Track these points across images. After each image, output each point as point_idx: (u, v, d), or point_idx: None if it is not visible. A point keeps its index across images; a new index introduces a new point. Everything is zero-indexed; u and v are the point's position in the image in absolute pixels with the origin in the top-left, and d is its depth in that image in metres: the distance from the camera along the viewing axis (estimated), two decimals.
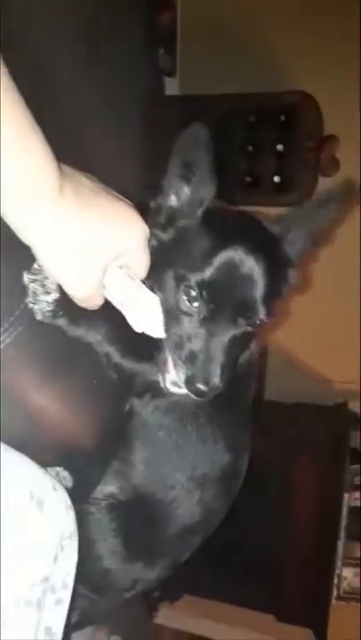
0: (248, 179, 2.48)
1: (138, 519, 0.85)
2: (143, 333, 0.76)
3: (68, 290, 0.63)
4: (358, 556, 2.42)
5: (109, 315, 0.73)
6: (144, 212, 0.78)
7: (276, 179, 2.46)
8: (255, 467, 2.23)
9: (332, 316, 2.60)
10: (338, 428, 2.35)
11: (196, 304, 0.70)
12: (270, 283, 0.72)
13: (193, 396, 0.72)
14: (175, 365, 0.73)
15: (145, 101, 2.69)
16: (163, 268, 0.74)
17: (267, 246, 0.75)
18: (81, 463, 0.80)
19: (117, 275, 0.68)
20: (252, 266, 0.70)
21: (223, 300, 0.70)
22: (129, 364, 0.79)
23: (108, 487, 0.86)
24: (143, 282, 0.74)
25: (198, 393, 0.70)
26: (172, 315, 0.73)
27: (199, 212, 0.75)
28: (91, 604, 0.86)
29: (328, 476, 2.27)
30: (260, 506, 2.25)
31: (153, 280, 0.75)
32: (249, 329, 0.73)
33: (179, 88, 2.88)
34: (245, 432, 0.92)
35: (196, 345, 0.70)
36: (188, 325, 0.71)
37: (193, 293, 0.70)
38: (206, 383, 0.69)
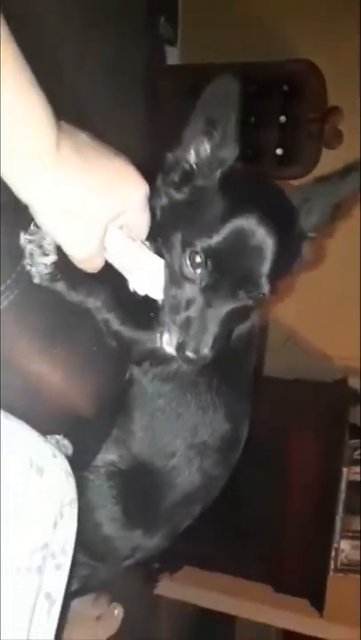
0: (250, 151, 2.43)
1: (137, 487, 0.85)
2: (144, 300, 0.75)
3: (67, 250, 0.61)
4: (356, 529, 2.45)
5: (110, 280, 0.71)
6: (156, 167, 0.75)
7: (279, 151, 2.41)
8: (255, 442, 2.25)
9: (332, 292, 2.58)
10: (337, 404, 2.35)
11: (199, 270, 0.68)
12: (280, 258, 0.69)
13: (181, 361, 0.71)
14: (169, 329, 0.71)
15: (146, 70, 2.64)
16: (171, 229, 0.71)
17: (283, 217, 0.72)
18: (82, 431, 0.79)
19: (118, 236, 0.66)
20: (263, 238, 0.67)
21: (228, 270, 0.68)
22: (128, 332, 0.77)
23: (108, 455, 0.86)
24: (147, 243, 0.72)
25: (186, 360, 0.69)
26: (174, 278, 0.71)
27: (218, 173, 0.71)
28: (91, 572, 0.87)
29: (327, 450, 2.28)
30: (260, 480, 2.27)
31: (161, 241, 0.73)
32: (249, 302, 0.71)
33: (180, 57, 2.81)
34: (245, 402, 0.91)
35: (193, 312, 0.69)
36: (189, 291, 0.70)
37: (198, 260, 0.68)
38: (196, 352, 0.68)
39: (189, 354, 0.69)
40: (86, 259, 0.63)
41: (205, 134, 0.71)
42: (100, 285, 0.74)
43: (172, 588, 2.71)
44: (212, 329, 0.69)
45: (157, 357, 0.81)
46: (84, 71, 2.20)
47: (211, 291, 0.69)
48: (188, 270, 0.69)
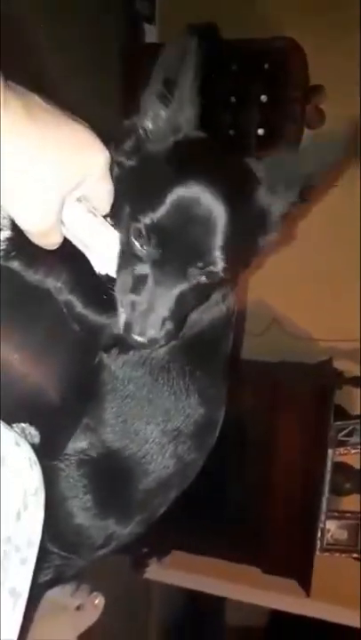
0: (231, 131, 2.38)
1: (109, 474, 0.83)
2: (110, 281, 0.72)
3: (21, 223, 0.57)
4: (341, 509, 2.47)
5: (72, 259, 0.67)
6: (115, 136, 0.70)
7: (260, 131, 2.36)
8: (241, 424, 2.25)
9: (316, 273, 2.57)
10: (322, 386, 2.35)
11: (145, 247, 0.64)
12: (236, 231, 0.63)
13: (131, 344, 0.67)
14: (119, 310, 0.67)
15: (123, 49, 2.57)
16: (121, 201, 0.66)
17: (239, 187, 0.66)
18: (49, 419, 0.76)
19: (77, 209, 0.62)
20: (209, 206, 0.61)
21: (173, 245, 0.63)
22: (93, 316, 0.73)
23: (79, 443, 0.83)
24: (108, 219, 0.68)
25: (134, 343, 0.66)
26: (124, 255, 0.67)
27: (171, 139, 0.66)
28: (65, 562, 0.85)
29: (313, 432, 2.29)
30: (245, 462, 2.28)
31: (112, 214, 0.68)
32: (204, 280, 0.65)
33: (158, 36, 2.74)
34: (221, 386, 0.88)
35: (140, 292, 0.65)
36: (137, 269, 0.65)
37: (142, 235, 0.63)
38: (142, 334, 0.64)
39: (136, 336, 0.65)
40: (42, 233, 0.59)
41: (161, 97, 0.65)
42: (62, 263, 0.69)
43: (161, 572, 2.72)
44: (161, 310, 0.65)
45: (126, 343, 0.78)
46: (59, 50, 2.14)
47: (158, 268, 0.64)
48: (135, 247, 0.65)
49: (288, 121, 2.36)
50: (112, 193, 0.63)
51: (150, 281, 0.65)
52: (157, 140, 0.67)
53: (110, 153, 0.61)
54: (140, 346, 0.67)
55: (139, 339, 0.65)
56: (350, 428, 2.39)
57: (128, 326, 0.66)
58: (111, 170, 0.66)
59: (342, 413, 2.47)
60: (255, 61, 2.34)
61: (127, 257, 0.67)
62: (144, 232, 0.63)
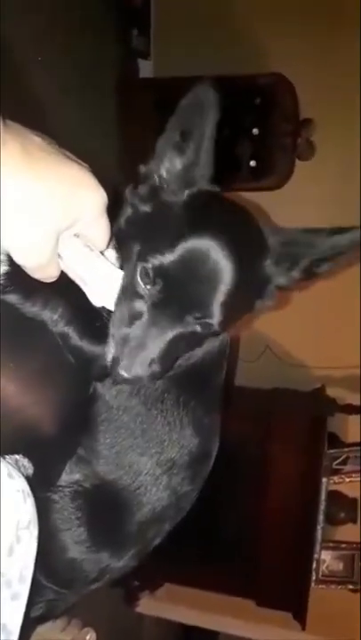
0: (223, 163, 2.44)
1: (103, 507, 0.82)
2: (105, 313, 0.72)
3: (16, 257, 0.58)
4: (337, 539, 2.44)
5: (68, 291, 0.69)
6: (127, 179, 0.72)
7: (253, 163, 2.43)
8: (234, 453, 2.23)
9: (309, 301, 2.59)
10: (316, 413, 2.35)
11: (148, 287, 0.65)
12: (237, 291, 0.65)
13: (116, 378, 0.68)
14: (109, 342, 0.68)
15: (119, 83, 2.65)
16: (132, 241, 0.69)
17: (248, 250, 0.68)
18: (43, 450, 0.76)
19: (73, 243, 0.63)
20: (218, 263, 0.63)
21: (177, 291, 0.64)
22: (88, 347, 0.74)
23: (73, 475, 0.82)
24: (111, 253, 0.70)
25: (118, 378, 0.66)
26: (127, 291, 0.68)
27: (186, 193, 0.68)
28: (56, 597, 0.83)
29: (306, 460, 2.28)
30: (238, 492, 2.25)
31: (121, 252, 0.70)
32: (198, 329, 0.67)
33: (153, 70, 2.82)
34: (215, 416, 0.88)
35: (134, 329, 0.66)
36: (136, 307, 0.67)
37: (148, 276, 0.65)
38: (128, 371, 0.65)
39: (122, 371, 0.65)
40: (38, 267, 0.60)
41: (177, 148, 0.68)
42: (58, 296, 0.71)
43: (154, 605, 2.66)
44: (152, 350, 0.65)
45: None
46: (56, 84, 2.19)
47: (157, 310, 0.65)
48: (139, 285, 0.66)
49: (280, 153, 2.43)
50: (109, 230, 0.64)
51: (146, 320, 0.66)
52: (172, 190, 0.69)
53: (125, 194, 0.63)
54: (123, 381, 0.67)
55: (123, 374, 0.66)
56: (344, 456, 2.39)
57: (115, 361, 0.66)
58: (124, 211, 0.67)
59: (336, 441, 2.47)
60: (247, 96, 2.41)
61: (129, 293, 0.68)
62: (151, 273, 0.65)
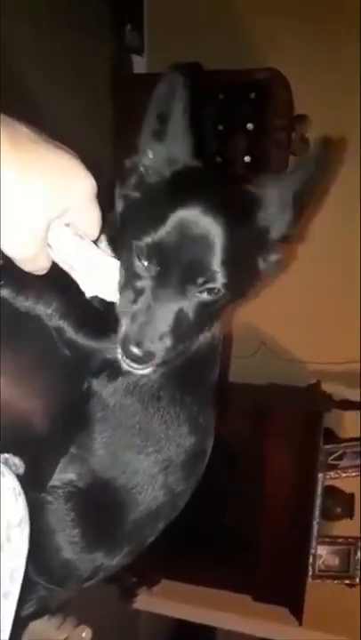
0: (218, 158, 2.43)
1: (98, 506, 0.81)
2: (102, 307, 0.72)
3: (6, 250, 0.57)
4: (333, 534, 2.45)
5: (62, 284, 0.68)
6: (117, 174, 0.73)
7: (247, 158, 2.42)
8: (230, 449, 2.24)
9: (304, 296, 2.59)
10: (312, 409, 2.35)
11: (145, 264, 0.66)
12: (235, 248, 0.66)
13: (127, 361, 0.67)
14: (120, 323, 0.68)
15: (112, 79, 2.63)
16: (126, 229, 0.70)
17: (237, 208, 0.69)
18: (35, 448, 0.75)
19: (64, 233, 0.62)
20: (207, 226, 0.64)
21: (173, 263, 0.65)
22: (84, 341, 0.74)
23: (67, 474, 0.81)
24: (105, 245, 0.69)
25: (130, 355, 0.66)
26: (128, 275, 0.69)
27: (169, 170, 0.70)
28: (49, 594, 0.83)
29: (302, 456, 2.28)
30: (234, 487, 2.26)
31: (119, 244, 0.71)
32: (205, 298, 0.67)
33: (147, 66, 2.81)
34: (210, 413, 0.88)
35: (140, 306, 0.66)
36: (138, 287, 0.67)
37: (144, 253, 0.66)
38: (139, 345, 0.65)
39: (133, 348, 0.65)
40: (28, 259, 0.59)
41: (156, 135, 0.70)
42: (52, 290, 0.70)
43: (150, 602, 2.66)
44: (160, 324, 0.66)
45: (115, 367, 0.78)
46: (49, 80, 2.18)
47: (158, 285, 0.66)
48: (138, 265, 0.67)
49: (274, 148, 2.42)
50: (100, 219, 0.64)
51: (149, 297, 0.66)
52: (157, 173, 0.70)
53: (116, 187, 0.63)
54: (134, 359, 0.66)
55: (135, 350, 0.65)
56: (340, 451, 2.39)
57: (126, 337, 0.66)
58: (117, 202, 0.68)
59: (332, 436, 2.47)
60: (242, 91, 2.40)
61: (129, 276, 0.68)
62: (145, 250, 0.66)
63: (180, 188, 0.69)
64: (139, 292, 0.67)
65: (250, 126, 2.39)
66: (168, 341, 0.67)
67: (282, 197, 0.71)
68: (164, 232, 0.65)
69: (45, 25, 2.22)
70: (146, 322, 0.66)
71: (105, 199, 0.65)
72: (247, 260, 0.72)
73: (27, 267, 0.61)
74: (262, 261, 0.74)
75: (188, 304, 0.68)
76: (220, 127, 2.43)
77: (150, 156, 0.71)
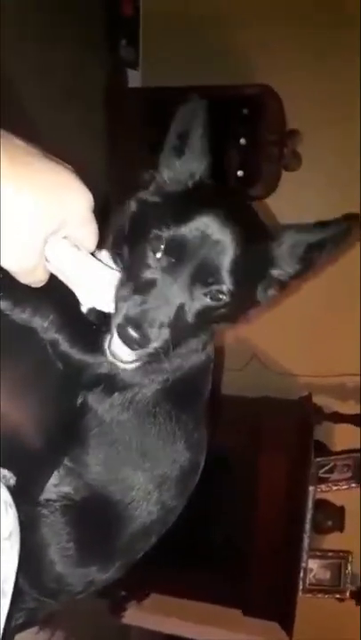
0: (211, 172, 2.46)
1: (93, 521, 0.81)
2: (98, 321, 0.72)
3: (3, 262, 0.57)
4: (323, 547, 2.44)
5: (59, 298, 0.69)
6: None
7: (240, 173, 2.45)
8: (220, 461, 2.23)
9: (296, 310, 2.60)
10: (302, 422, 2.36)
11: (159, 255, 0.69)
12: (244, 264, 0.69)
13: (114, 350, 0.68)
14: (116, 309, 0.69)
15: (107, 92, 2.66)
16: (143, 224, 0.72)
17: (251, 228, 0.73)
18: (27, 461, 0.75)
19: (61, 245, 0.63)
20: (226, 232, 0.68)
21: (187, 255, 0.68)
22: (78, 355, 0.74)
23: (63, 488, 0.81)
24: (104, 254, 0.71)
25: (126, 337, 0.66)
26: (133, 268, 0.71)
27: (189, 183, 0.74)
28: (39, 605, 0.82)
29: (293, 469, 2.28)
30: (225, 500, 2.25)
31: (126, 248, 0.74)
32: (207, 302, 0.70)
33: (141, 80, 2.84)
34: (203, 430, 0.88)
35: (144, 293, 0.67)
36: (147, 276, 0.69)
37: (160, 244, 0.69)
38: (138, 327, 0.65)
39: (131, 330, 0.65)
40: (26, 272, 0.60)
41: (177, 151, 0.75)
42: (49, 304, 0.71)
43: (140, 616, 2.63)
44: (161, 314, 0.67)
45: (110, 383, 0.78)
46: (44, 93, 2.20)
47: (168, 276, 0.68)
48: (151, 256, 0.69)
49: (266, 163, 2.45)
50: (97, 232, 0.65)
51: (157, 286, 0.68)
52: (177, 183, 0.75)
53: (130, 195, 0.65)
54: (131, 342, 0.66)
55: (132, 332, 0.66)
56: (331, 464, 2.40)
57: (126, 318, 0.66)
58: (130, 205, 0.73)
59: (323, 449, 2.48)
60: (234, 106, 2.44)
61: (137, 267, 0.70)
62: (164, 240, 0.68)
63: (205, 196, 0.73)
64: (146, 281, 0.69)
65: (243, 141, 2.42)
66: (166, 332, 0.68)
67: (296, 242, 0.74)
68: (186, 228, 0.68)
69: (40, 39, 2.25)
70: (149, 307, 0.67)
71: (99, 211, 0.66)
72: (252, 280, 0.75)
73: (24, 279, 0.62)
74: (261, 290, 0.77)
75: (192, 304, 0.70)
76: (214, 142, 2.46)
77: (170, 170, 0.76)
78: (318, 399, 2.51)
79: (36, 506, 0.79)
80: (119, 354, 0.69)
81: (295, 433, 2.34)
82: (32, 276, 0.62)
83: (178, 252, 0.68)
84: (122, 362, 0.70)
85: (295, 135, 2.47)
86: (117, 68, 2.75)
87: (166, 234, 0.68)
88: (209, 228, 0.68)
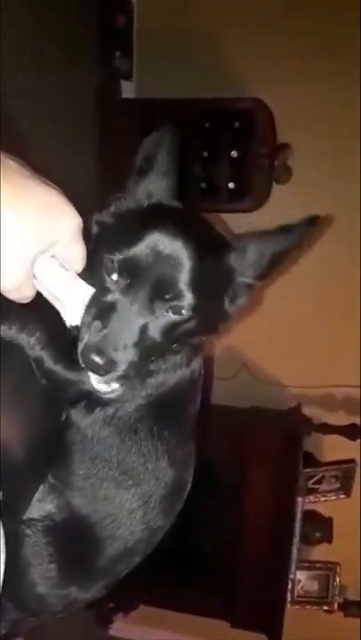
0: (203, 185, 2.48)
1: (75, 541, 0.80)
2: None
3: None
4: (312, 559, 2.45)
5: (46, 315, 0.69)
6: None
7: (231, 185, 2.47)
8: (209, 471, 2.23)
9: (285, 320, 2.62)
10: (292, 432, 2.36)
11: (115, 277, 0.68)
12: (203, 275, 0.68)
13: (93, 381, 0.68)
14: (79, 336, 0.68)
15: (101, 104, 2.67)
16: (98, 250, 0.71)
17: (209, 244, 0.72)
18: (11, 477, 0.75)
19: (49, 264, 0.64)
20: (178, 247, 0.67)
21: (142, 278, 0.67)
22: (62, 371, 0.75)
23: (45, 506, 0.81)
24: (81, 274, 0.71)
25: (91, 364, 0.65)
26: (97, 294, 0.70)
27: (144, 203, 0.73)
28: (21, 617, 0.81)
29: (282, 480, 2.28)
30: (213, 511, 2.25)
31: (92, 266, 0.71)
32: (171, 317, 0.68)
33: (135, 91, 2.86)
34: (190, 446, 0.88)
35: (106, 318, 0.66)
36: (107, 299, 0.68)
37: (113, 267, 0.67)
38: (100, 353, 0.64)
39: (94, 356, 0.64)
40: (13, 289, 0.60)
41: (140, 172, 0.74)
42: (36, 319, 0.72)
43: (127, 628, 2.61)
44: (124, 336, 0.66)
45: (93, 399, 0.78)
46: (36, 104, 2.21)
47: (126, 297, 0.67)
48: (106, 281, 0.68)
49: (257, 175, 2.48)
50: (85, 255, 0.66)
51: (117, 308, 0.67)
52: (134, 202, 0.74)
53: (92, 216, 0.65)
54: (97, 368, 0.66)
55: (96, 358, 0.65)
56: (320, 475, 2.40)
57: (86, 346, 0.66)
58: (91, 230, 0.71)
59: (311, 460, 2.48)
60: (226, 119, 2.46)
61: (98, 292, 0.69)
62: (116, 265, 0.67)
63: (156, 215, 0.72)
64: (106, 306, 0.68)
65: (234, 154, 2.45)
66: (131, 354, 0.67)
67: (262, 252, 0.74)
68: (136, 248, 0.67)
69: (33, 49, 2.26)
70: (109, 332, 0.66)
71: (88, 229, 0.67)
72: (215, 292, 0.74)
73: (11, 295, 0.62)
74: (228, 301, 0.76)
75: (155, 322, 0.68)
76: (205, 154, 2.48)
77: (131, 190, 0.75)
78: (308, 410, 2.52)
79: (20, 524, 0.79)
80: (97, 387, 0.69)
81: (284, 443, 2.35)
82: (19, 293, 0.63)
83: (132, 272, 0.67)
84: (104, 394, 0.70)
85: (286, 148, 2.49)
86: (111, 78, 2.77)
87: (117, 257, 0.67)
88: (159, 244, 0.67)
